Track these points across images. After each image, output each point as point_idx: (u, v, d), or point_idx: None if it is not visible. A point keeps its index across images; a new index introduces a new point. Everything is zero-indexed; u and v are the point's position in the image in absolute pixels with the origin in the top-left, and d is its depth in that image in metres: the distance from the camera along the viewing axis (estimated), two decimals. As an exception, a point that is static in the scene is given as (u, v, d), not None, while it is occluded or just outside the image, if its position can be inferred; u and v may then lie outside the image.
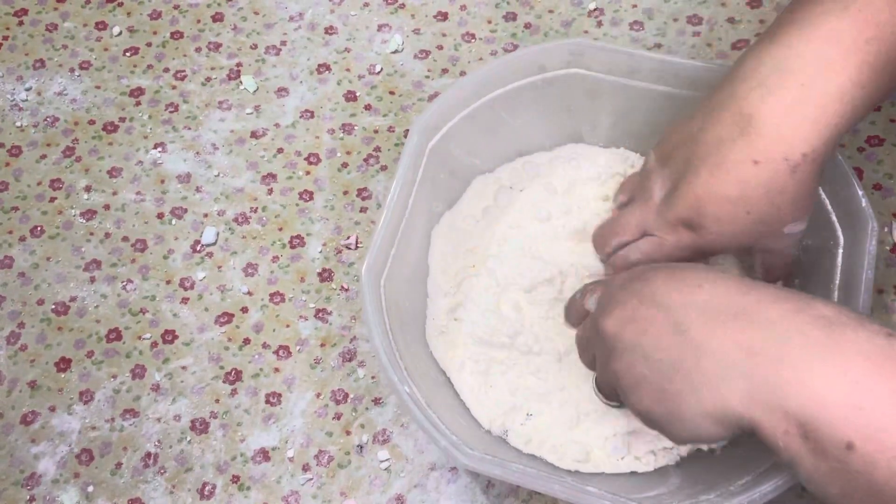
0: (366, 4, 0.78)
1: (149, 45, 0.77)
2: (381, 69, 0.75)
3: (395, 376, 0.51)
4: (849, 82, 0.47)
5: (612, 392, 0.50)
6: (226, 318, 0.65)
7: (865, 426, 0.38)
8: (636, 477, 0.55)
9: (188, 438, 0.61)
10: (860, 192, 0.54)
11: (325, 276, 0.66)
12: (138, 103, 0.74)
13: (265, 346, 0.64)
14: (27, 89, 0.75)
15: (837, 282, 0.53)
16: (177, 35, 0.78)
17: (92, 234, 0.69)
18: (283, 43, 0.77)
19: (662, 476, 0.55)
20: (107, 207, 0.70)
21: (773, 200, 0.49)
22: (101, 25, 0.78)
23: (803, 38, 0.48)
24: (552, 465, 0.55)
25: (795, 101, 0.47)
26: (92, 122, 0.73)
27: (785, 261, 0.54)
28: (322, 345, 0.64)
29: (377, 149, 0.71)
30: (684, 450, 0.56)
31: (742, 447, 0.52)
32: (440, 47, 0.76)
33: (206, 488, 0.59)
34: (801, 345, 0.40)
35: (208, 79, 0.75)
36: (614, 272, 0.57)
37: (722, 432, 0.43)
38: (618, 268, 0.57)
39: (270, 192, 0.70)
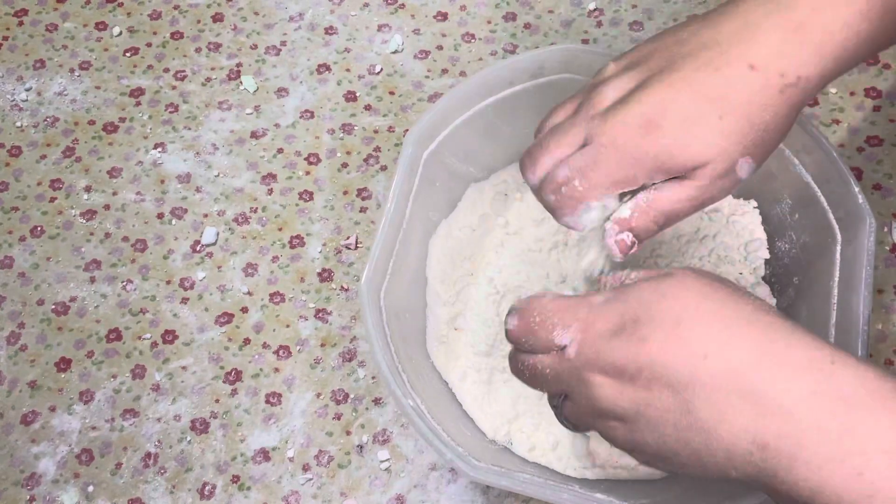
0: (366, 4, 0.78)
1: (149, 45, 0.77)
2: (381, 69, 0.75)
3: (398, 389, 0.50)
4: (858, 15, 0.44)
5: (581, 426, 0.45)
6: (226, 318, 0.65)
7: None
8: (642, 483, 0.55)
9: (188, 438, 0.61)
10: (857, 190, 0.54)
11: (325, 276, 0.66)
12: (138, 103, 0.74)
13: (265, 346, 0.64)
14: (27, 89, 0.75)
15: (837, 279, 0.53)
16: (177, 35, 0.78)
17: (92, 234, 0.69)
18: (283, 43, 0.77)
19: (669, 481, 0.55)
20: (107, 207, 0.70)
21: (751, 114, 0.45)
22: (101, 25, 0.78)
23: None
24: (558, 473, 0.55)
25: (803, 23, 0.44)
26: (92, 123, 0.74)
27: (699, 199, 0.47)
28: (322, 345, 0.64)
29: (377, 149, 0.71)
30: None
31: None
32: (440, 47, 0.76)
33: (207, 488, 0.59)
34: (815, 441, 0.37)
35: (208, 79, 0.75)
36: (541, 196, 0.48)
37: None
38: (546, 190, 0.47)
39: (270, 192, 0.70)
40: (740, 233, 0.61)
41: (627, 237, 0.47)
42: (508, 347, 0.58)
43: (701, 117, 0.44)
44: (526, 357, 0.45)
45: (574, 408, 0.44)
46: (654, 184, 0.46)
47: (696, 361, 0.39)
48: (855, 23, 0.45)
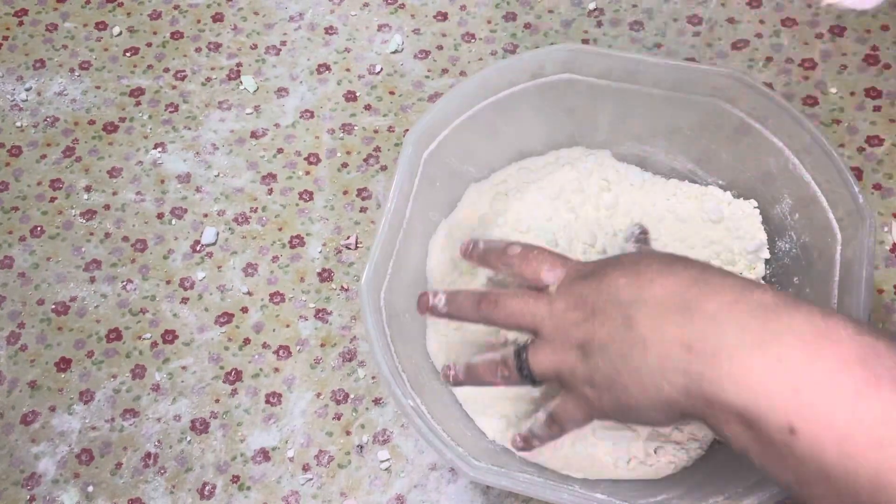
0: (366, 4, 0.78)
1: (149, 45, 0.77)
2: (381, 69, 0.75)
3: (399, 389, 0.51)
4: None
5: (540, 374, 0.50)
6: (226, 318, 0.65)
7: (805, 408, 0.38)
8: (643, 482, 0.55)
9: (188, 438, 0.61)
10: (856, 190, 0.54)
11: (325, 276, 0.66)
12: (138, 103, 0.74)
13: (265, 346, 0.64)
14: (27, 89, 0.75)
15: (837, 279, 0.53)
16: (177, 35, 0.78)
17: (92, 234, 0.69)
18: (283, 43, 0.77)
19: (669, 480, 0.55)
20: (107, 207, 0.70)
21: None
22: (101, 25, 0.78)
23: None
24: (558, 473, 0.55)
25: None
26: (92, 122, 0.74)
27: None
28: (322, 345, 0.64)
29: (377, 149, 0.71)
30: (692, 454, 0.56)
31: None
32: (440, 47, 0.76)
33: (206, 488, 0.59)
34: (735, 336, 0.41)
35: (208, 79, 0.75)
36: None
37: (671, 421, 0.45)
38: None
39: (270, 192, 0.70)
40: (741, 233, 0.61)
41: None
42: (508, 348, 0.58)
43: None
44: (508, 298, 0.50)
45: (536, 351, 0.49)
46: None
47: (643, 284, 0.45)
48: None
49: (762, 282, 0.43)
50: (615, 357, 0.45)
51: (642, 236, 0.59)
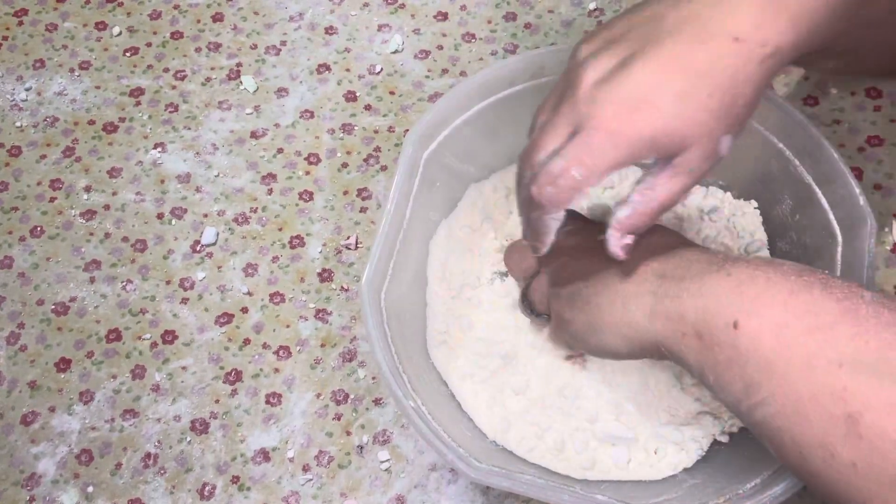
0: (366, 4, 0.78)
1: (149, 45, 0.77)
2: (381, 69, 0.75)
3: (399, 390, 0.50)
4: None
5: (539, 304, 0.57)
6: (226, 318, 0.65)
7: (746, 302, 0.43)
8: (643, 483, 0.55)
9: (188, 439, 0.61)
10: (858, 191, 0.54)
11: (325, 276, 0.66)
12: (138, 103, 0.74)
13: (265, 346, 0.64)
14: (27, 89, 0.75)
15: (837, 281, 0.53)
16: (177, 35, 0.78)
17: (92, 234, 0.69)
18: (283, 43, 0.77)
19: (670, 482, 0.55)
20: (107, 207, 0.70)
21: (735, 90, 0.45)
22: (101, 25, 0.78)
23: None
24: (559, 474, 0.55)
25: None
26: (92, 122, 0.73)
27: (688, 182, 0.47)
28: (322, 345, 0.64)
29: (377, 149, 0.71)
30: (692, 456, 0.56)
31: (750, 450, 0.52)
32: (440, 47, 0.76)
33: (206, 489, 0.59)
34: (700, 267, 0.46)
35: (208, 79, 0.75)
36: (538, 192, 0.47)
37: (628, 350, 0.49)
38: (543, 182, 0.46)
39: (270, 192, 0.70)
40: (741, 234, 0.61)
41: (630, 239, 0.47)
42: (508, 348, 0.58)
43: (691, 95, 0.44)
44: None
45: (535, 280, 0.57)
46: (643, 181, 0.46)
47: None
48: None
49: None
50: (597, 280, 0.51)
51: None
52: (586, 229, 0.55)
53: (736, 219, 0.61)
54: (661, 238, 0.51)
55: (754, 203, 0.62)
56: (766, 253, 0.60)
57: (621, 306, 0.48)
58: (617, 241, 0.47)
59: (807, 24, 0.45)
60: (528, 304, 0.58)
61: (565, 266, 0.54)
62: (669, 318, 0.46)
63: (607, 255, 0.47)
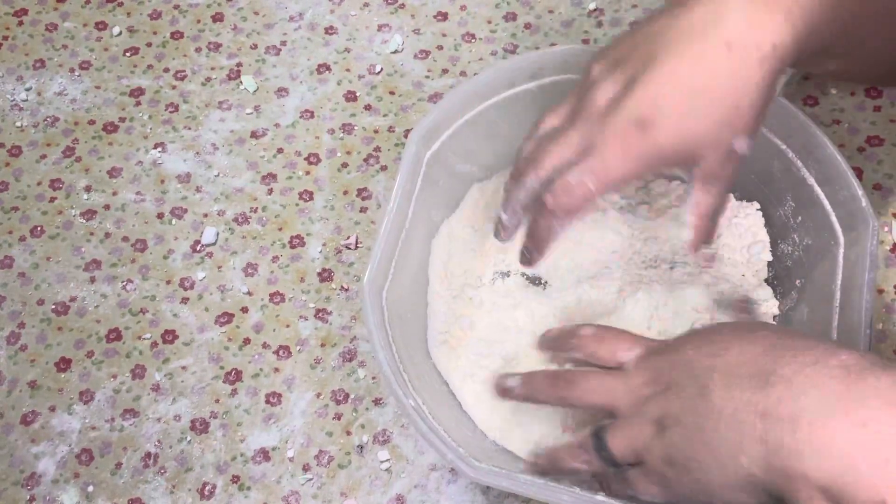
0: (366, 4, 0.78)
1: (149, 45, 0.77)
2: (381, 69, 0.75)
3: (400, 389, 0.50)
4: None
5: (623, 455, 0.47)
6: (226, 318, 0.65)
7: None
8: None
9: (188, 438, 0.61)
10: (860, 193, 0.54)
11: (325, 276, 0.66)
12: (138, 103, 0.74)
13: (265, 346, 0.64)
14: (27, 89, 0.75)
15: (839, 283, 0.53)
16: (177, 35, 0.78)
17: (92, 234, 0.68)
18: (283, 43, 0.77)
19: None
20: (107, 207, 0.70)
21: (736, 97, 0.46)
22: (101, 25, 0.78)
23: None
24: None
25: None
26: (92, 122, 0.73)
27: (720, 188, 0.50)
28: (322, 345, 0.64)
29: (377, 149, 0.71)
30: None
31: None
32: (440, 47, 0.76)
33: (207, 488, 0.59)
34: (816, 400, 0.38)
35: (208, 79, 0.75)
36: (554, 200, 0.49)
37: (755, 500, 0.41)
38: (558, 192, 0.49)
39: (270, 192, 0.70)
40: (743, 235, 0.61)
41: (709, 251, 0.54)
42: (509, 349, 0.58)
43: (691, 110, 0.46)
44: (583, 376, 0.50)
45: (615, 432, 0.47)
46: (688, 201, 0.50)
47: (717, 352, 0.43)
48: None
49: (846, 346, 0.41)
50: (691, 430, 0.42)
51: (744, 305, 0.59)
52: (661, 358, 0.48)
53: (738, 220, 0.61)
54: (738, 354, 0.43)
55: (756, 204, 0.62)
56: (767, 255, 0.60)
57: (731, 462, 0.40)
58: (696, 258, 0.53)
59: (803, 21, 0.46)
60: (604, 453, 0.47)
61: (648, 417, 0.45)
62: (789, 476, 0.38)
63: (694, 391, 0.43)
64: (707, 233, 0.51)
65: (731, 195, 0.62)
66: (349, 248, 0.67)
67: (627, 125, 0.47)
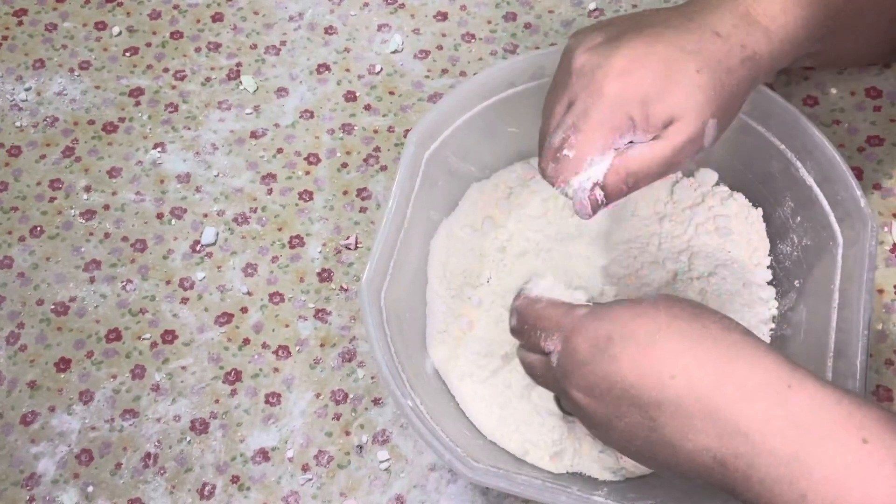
0: (366, 4, 0.78)
1: (149, 45, 0.77)
2: (381, 69, 0.75)
3: (398, 390, 0.50)
4: (792, 2, 0.50)
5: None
6: (225, 318, 0.65)
7: None
8: (641, 484, 0.55)
9: (188, 439, 0.61)
10: (859, 193, 0.54)
11: (325, 276, 0.66)
12: (138, 103, 0.74)
13: (265, 346, 0.64)
14: (27, 89, 0.75)
15: (837, 283, 0.53)
16: (176, 35, 0.78)
17: (92, 234, 0.69)
18: (283, 43, 0.77)
19: (668, 483, 0.55)
20: (106, 207, 0.70)
21: (721, 74, 0.48)
22: (101, 25, 0.78)
23: None
24: (556, 474, 0.55)
25: (748, 10, 0.49)
26: (91, 122, 0.73)
27: (667, 157, 0.48)
28: (322, 345, 0.64)
29: (377, 149, 0.71)
30: None
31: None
32: (440, 47, 0.76)
33: (206, 488, 0.59)
34: (767, 464, 0.39)
35: (208, 79, 0.75)
36: (545, 170, 0.49)
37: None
38: (548, 158, 0.48)
39: (270, 192, 0.70)
40: (742, 235, 0.61)
41: (599, 193, 0.48)
42: (508, 349, 0.58)
43: (679, 66, 0.47)
44: (525, 354, 0.50)
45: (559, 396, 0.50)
46: (626, 145, 0.48)
47: (664, 381, 0.41)
48: (791, 9, 0.49)
49: (801, 368, 0.41)
50: (641, 449, 0.43)
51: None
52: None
53: (738, 220, 0.61)
54: (686, 373, 0.42)
55: (760, 211, 0.61)
56: (766, 261, 0.60)
57: (686, 479, 0.43)
58: (585, 193, 0.48)
59: (780, 38, 0.49)
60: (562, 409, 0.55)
61: (594, 423, 0.46)
62: None
63: (642, 421, 0.42)
64: (618, 182, 0.48)
65: (741, 194, 0.62)
66: (349, 249, 0.67)
67: (609, 71, 0.47)
